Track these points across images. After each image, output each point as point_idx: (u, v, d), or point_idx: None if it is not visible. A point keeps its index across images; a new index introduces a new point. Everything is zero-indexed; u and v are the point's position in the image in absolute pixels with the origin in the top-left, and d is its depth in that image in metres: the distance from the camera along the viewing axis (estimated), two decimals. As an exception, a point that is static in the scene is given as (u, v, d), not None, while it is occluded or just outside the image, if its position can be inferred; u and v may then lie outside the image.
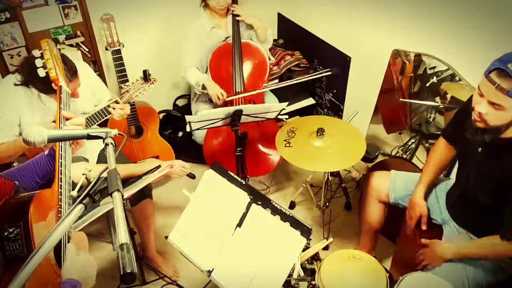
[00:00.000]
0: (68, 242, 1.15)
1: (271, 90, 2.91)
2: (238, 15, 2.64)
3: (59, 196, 1.23)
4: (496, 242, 1.57)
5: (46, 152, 1.42)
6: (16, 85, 1.92)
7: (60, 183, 1.26)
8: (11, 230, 1.06)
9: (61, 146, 1.33)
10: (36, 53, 1.65)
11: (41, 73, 1.62)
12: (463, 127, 1.62)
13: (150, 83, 2.02)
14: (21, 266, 0.87)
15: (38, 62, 1.62)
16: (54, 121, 1.99)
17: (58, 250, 1.14)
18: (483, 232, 1.66)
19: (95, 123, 2.01)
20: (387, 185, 2.04)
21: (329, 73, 2.83)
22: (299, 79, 2.81)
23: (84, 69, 2.21)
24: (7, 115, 1.92)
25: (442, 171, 1.95)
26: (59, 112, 1.46)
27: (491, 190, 1.59)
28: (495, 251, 1.60)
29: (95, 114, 1.99)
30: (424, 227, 1.88)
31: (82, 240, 1.21)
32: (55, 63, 1.61)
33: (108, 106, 1.99)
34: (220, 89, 2.62)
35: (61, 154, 1.31)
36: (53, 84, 1.62)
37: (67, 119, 1.45)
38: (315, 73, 2.91)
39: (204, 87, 2.67)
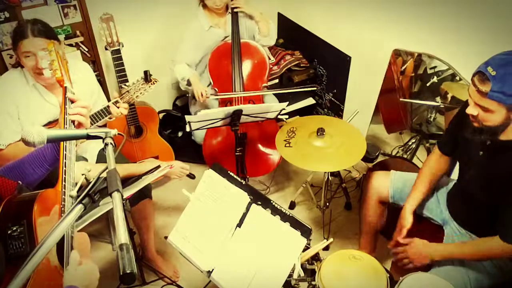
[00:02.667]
0: (71, 242, 1.14)
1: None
2: (238, 7, 2.61)
3: (63, 196, 1.23)
4: (488, 243, 1.58)
5: None
6: (13, 66, 1.95)
7: (64, 183, 1.26)
8: (14, 229, 1.06)
9: (66, 146, 1.33)
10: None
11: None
12: (463, 127, 1.62)
13: (151, 84, 2.01)
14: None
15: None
16: (53, 122, 1.98)
17: (60, 250, 1.14)
18: (484, 233, 1.65)
19: (94, 124, 2.01)
20: (388, 185, 2.04)
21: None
22: (293, 89, 2.83)
23: (85, 70, 2.20)
24: (10, 110, 1.90)
25: (435, 184, 1.93)
26: (64, 114, 1.45)
27: (493, 191, 1.59)
28: (488, 253, 1.60)
29: (94, 115, 1.98)
30: (399, 239, 1.84)
31: (84, 241, 1.21)
32: (61, 64, 1.62)
33: (108, 106, 1.99)
34: (204, 87, 2.60)
35: (65, 154, 1.32)
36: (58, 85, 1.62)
37: (73, 102, 1.46)
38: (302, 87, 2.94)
39: (189, 83, 2.65)
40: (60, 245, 1.10)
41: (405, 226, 1.85)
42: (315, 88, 2.83)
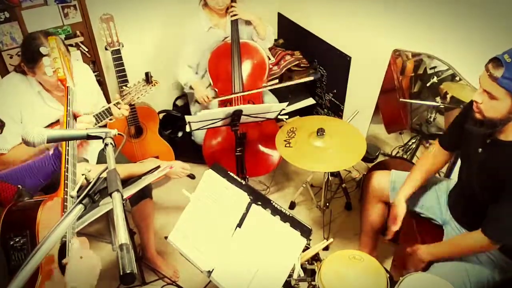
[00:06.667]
0: (71, 244, 1.13)
1: (270, 90, 2.91)
2: (235, 14, 2.62)
3: (65, 203, 1.21)
4: (468, 238, 1.63)
5: (51, 152, 1.41)
6: (15, 70, 1.92)
7: (66, 189, 1.24)
8: (17, 240, 1.04)
9: (68, 150, 1.31)
10: (43, 50, 1.60)
11: (49, 72, 1.59)
12: (466, 120, 1.65)
13: (152, 85, 2.02)
14: None
15: (46, 61, 1.57)
16: (53, 123, 1.98)
17: (62, 254, 1.12)
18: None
19: (95, 125, 2.01)
20: (388, 185, 2.04)
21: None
22: (291, 82, 2.81)
23: (85, 72, 2.20)
24: (12, 114, 1.89)
25: (430, 177, 1.94)
26: (66, 113, 1.44)
27: (492, 190, 1.59)
28: (468, 248, 1.64)
29: (96, 116, 1.98)
30: (393, 228, 1.86)
31: (83, 243, 1.20)
32: (63, 61, 1.58)
33: (110, 107, 1.99)
34: (206, 92, 2.64)
35: (67, 159, 1.29)
36: (59, 83, 1.60)
37: (76, 117, 1.44)
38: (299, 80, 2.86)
39: (191, 88, 2.69)
40: (61, 254, 1.08)
41: (400, 215, 1.85)
42: (312, 78, 2.80)
